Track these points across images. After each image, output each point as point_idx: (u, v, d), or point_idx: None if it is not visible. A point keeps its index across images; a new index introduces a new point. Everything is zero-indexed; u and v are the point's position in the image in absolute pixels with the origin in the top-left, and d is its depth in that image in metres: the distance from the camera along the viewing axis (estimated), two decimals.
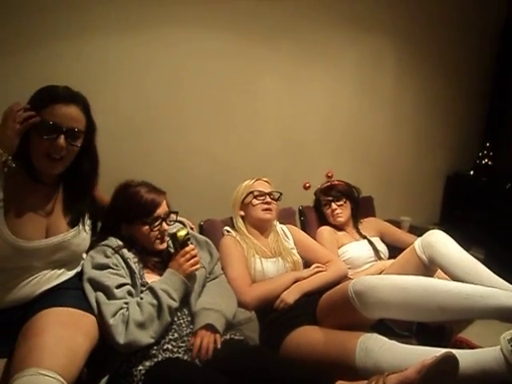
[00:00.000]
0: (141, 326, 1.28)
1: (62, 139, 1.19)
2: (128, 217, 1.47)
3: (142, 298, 1.36)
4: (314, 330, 1.55)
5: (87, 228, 1.39)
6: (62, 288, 1.32)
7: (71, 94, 1.24)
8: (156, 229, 1.47)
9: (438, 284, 1.42)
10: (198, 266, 1.47)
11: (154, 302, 1.33)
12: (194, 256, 1.47)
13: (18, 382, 1.00)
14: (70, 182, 1.35)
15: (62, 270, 1.35)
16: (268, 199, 1.91)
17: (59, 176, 1.33)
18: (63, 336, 1.14)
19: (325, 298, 1.61)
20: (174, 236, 1.49)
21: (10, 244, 1.17)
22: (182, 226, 1.58)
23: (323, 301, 1.62)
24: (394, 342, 1.33)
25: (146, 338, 1.29)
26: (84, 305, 1.29)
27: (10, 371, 1.08)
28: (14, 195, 1.20)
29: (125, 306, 1.32)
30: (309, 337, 1.53)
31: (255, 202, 1.90)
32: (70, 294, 1.30)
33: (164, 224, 1.49)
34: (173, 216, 1.54)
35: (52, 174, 1.27)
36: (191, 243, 1.50)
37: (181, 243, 1.48)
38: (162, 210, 1.48)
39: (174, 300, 1.37)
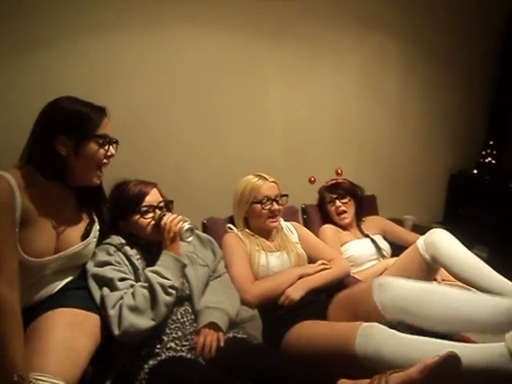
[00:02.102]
0: (134, 309, 1.28)
1: (113, 148, 1.31)
2: (121, 212, 1.49)
3: None
4: (314, 323, 1.55)
5: (95, 239, 1.40)
6: (65, 288, 1.33)
7: (106, 109, 1.32)
8: (148, 216, 1.48)
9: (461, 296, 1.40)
10: (179, 225, 1.43)
11: (145, 284, 1.34)
12: (173, 220, 1.43)
13: None
14: (83, 196, 1.38)
15: (67, 274, 1.36)
16: (275, 206, 1.84)
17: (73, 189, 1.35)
18: (67, 338, 1.16)
19: (342, 295, 1.63)
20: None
21: (20, 262, 1.16)
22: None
23: (339, 298, 1.63)
24: (394, 331, 1.32)
25: (144, 321, 1.28)
26: (88, 304, 1.30)
27: None
28: (30, 211, 1.20)
29: (124, 295, 1.33)
30: (309, 330, 1.53)
31: (261, 209, 1.83)
32: (74, 294, 1.31)
33: (157, 211, 1.50)
34: (170, 206, 1.56)
35: (94, 185, 1.32)
36: (164, 215, 1.48)
37: (157, 223, 1.47)
38: (151, 198, 1.50)
39: (166, 278, 1.35)
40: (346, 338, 1.35)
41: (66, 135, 1.23)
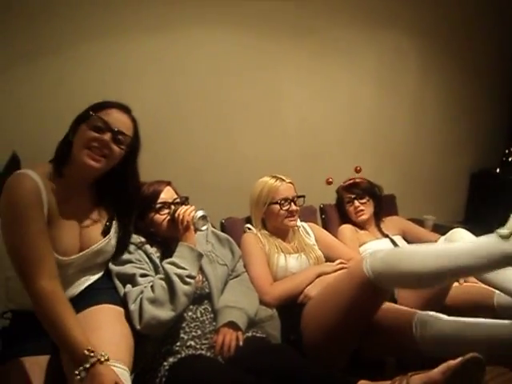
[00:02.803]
0: (154, 302, 1.29)
1: (108, 136, 1.23)
2: (138, 213, 1.50)
3: None
4: (322, 289, 1.59)
5: (116, 234, 1.40)
6: (94, 288, 1.35)
7: (127, 106, 1.33)
8: (163, 212, 1.50)
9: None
10: (192, 214, 1.45)
11: (162, 276, 1.35)
12: (186, 210, 1.46)
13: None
14: (108, 196, 1.38)
15: (92, 271, 1.38)
16: (293, 207, 1.84)
17: (93, 186, 1.36)
18: (123, 332, 1.20)
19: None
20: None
21: None
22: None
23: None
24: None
25: (164, 312, 1.29)
26: (118, 300, 1.33)
27: (65, 366, 1.13)
28: (54, 209, 1.21)
29: (144, 289, 1.34)
30: (319, 292, 1.58)
31: (280, 210, 1.83)
32: (104, 292, 1.34)
33: (173, 207, 1.52)
34: (186, 202, 1.56)
35: (91, 169, 1.24)
36: (179, 208, 1.50)
37: (172, 217, 1.49)
38: (166, 195, 1.52)
39: (182, 269, 1.35)
40: (356, 263, 1.43)
41: (76, 120, 1.27)
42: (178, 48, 2.26)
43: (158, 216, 1.50)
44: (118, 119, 1.27)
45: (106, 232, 1.35)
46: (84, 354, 1.04)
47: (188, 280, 1.35)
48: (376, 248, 2.13)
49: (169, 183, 1.58)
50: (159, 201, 1.51)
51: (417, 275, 1.29)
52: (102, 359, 1.04)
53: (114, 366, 1.06)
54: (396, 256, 1.36)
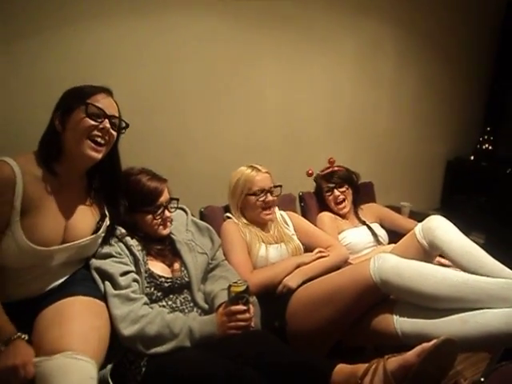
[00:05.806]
0: (146, 339, 1.27)
1: (107, 123, 1.23)
2: (130, 205, 1.46)
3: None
4: (317, 280, 1.60)
5: (103, 234, 1.37)
6: (73, 279, 1.33)
7: (109, 88, 1.31)
8: (159, 217, 1.47)
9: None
10: (238, 332, 1.33)
11: (176, 331, 1.29)
12: (240, 320, 1.33)
13: (53, 362, 1.03)
14: (98, 188, 1.36)
15: (74, 266, 1.36)
16: (269, 198, 1.85)
17: (84, 177, 1.33)
18: (94, 325, 1.18)
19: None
20: (229, 287, 1.37)
21: (25, 249, 1.16)
22: (243, 282, 1.38)
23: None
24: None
25: (143, 349, 1.27)
26: (96, 293, 1.30)
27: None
28: (35, 199, 1.18)
29: (132, 295, 1.31)
30: (315, 282, 1.60)
31: (256, 201, 1.84)
32: (82, 283, 1.31)
33: (166, 211, 1.49)
34: (174, 203, 1.55)
35: (91, 160, 1.24)
36: (243, 304, 1.35)
37: (230, 299, 1.35)
38: (164, 197, 1.48)
39: (189, 342, 1.30)
40: (362, 264, 1.45)
41: (60, 109, 1.23)
42: (148, 33, 2.19)
43: (150, 217, 1.46)
44: (109, 104, 1.26)
45: (96, 230, 1.33)
46: (7, 336, 1.08)
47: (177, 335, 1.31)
48: (354, 235, 2.16)
49: (166, 182, 1.53)
50: (158, 203, 1.46)
51: (426, 296, 1.34)
52: (23, 337, 1.09)
53: (76, 358, 1.05)
54: (409, 270, 1.37)
